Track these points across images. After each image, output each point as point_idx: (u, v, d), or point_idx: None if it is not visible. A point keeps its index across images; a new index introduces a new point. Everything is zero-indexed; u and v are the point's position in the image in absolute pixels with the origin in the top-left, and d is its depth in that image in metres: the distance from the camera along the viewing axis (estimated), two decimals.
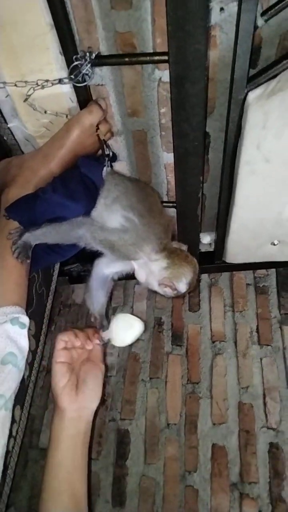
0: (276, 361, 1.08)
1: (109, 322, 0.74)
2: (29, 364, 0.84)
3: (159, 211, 0.79)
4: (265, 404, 1.02)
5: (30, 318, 0.70)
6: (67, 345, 0.65)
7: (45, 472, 0.60)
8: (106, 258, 0.79)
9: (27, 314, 0.66)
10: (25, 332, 0.62)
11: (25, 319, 0.63)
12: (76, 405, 0.62)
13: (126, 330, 0.71)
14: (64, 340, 0.64)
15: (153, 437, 1.03)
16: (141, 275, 0.77)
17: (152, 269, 0.74)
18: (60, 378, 0.62)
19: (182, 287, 0.74)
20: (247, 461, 0.97)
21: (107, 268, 0.81)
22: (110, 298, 1.26)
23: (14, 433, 0.76)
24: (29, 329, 0.66)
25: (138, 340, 1.16)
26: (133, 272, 0.79)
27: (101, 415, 1.08)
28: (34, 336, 0.85)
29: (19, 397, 0.76)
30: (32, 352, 0.86)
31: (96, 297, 0.82)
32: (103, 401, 1.00)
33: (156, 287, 0.75)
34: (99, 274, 0.82)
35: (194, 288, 0.79)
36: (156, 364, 1.13)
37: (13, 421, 0.71)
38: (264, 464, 0.96)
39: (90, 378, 0.64)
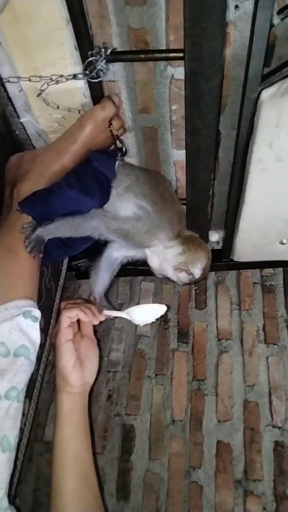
0: (282, 360, 1.08)
1: (109, 303, 0.77)
2: (37, 357, 0.85)
3: (171, 198, 0.80)
4: (270, 402, 1.03)
5: None
6: (72, 321, 0.66)
7: (55, 450, 0.64)
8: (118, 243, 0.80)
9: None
10: (37, 325, 0.63)
11: (37, 313, 0.64)
12: (83, 381, 0.66)
13: (145, 312, 0.74)
14: (70, 317, 0.65)
15: (158, 433, 1.03)
16: (154, 262, 0.77)
17: (167, 256, 0.75)
18: (70, 357, 0.65)
19: (197, 272, 0.75)
20: (251, 458, 0.97)
21: (118, 251, 0.82)
22: (116, 295, 1.27)
23: (22, 426, 0.77)
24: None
25: (144, 336, 1.18)
26: (146, 260, 0.79)
27: (106, 410, 1.08)
28: (43, 330, 0.85)
29: (28, 390, 0.76)
30: (40, 346, 0.86)
31: (101, 277, 0.84)
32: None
33: (170, 273, 0.76)
34: (109, 255, 0.83)
35: (206, 277, 0.80)
36: (162, 360, 1.13)
37: (22, 414, 0.72)
38: (269, 462, 0.96)
39: (91, 354, 0.69)
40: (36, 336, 0.63)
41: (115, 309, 0.80)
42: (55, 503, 0.62)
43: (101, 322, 0.71)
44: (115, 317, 0.84)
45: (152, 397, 1.08)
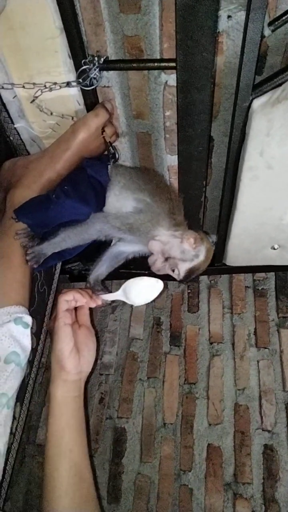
0: (273, 363, 1.09)
1: (105, 289, 0.77)
2: (30, 361, 0.85)
3: (167, 189, 0.81)
4: (261, 406, 1.04)
5: (31, 317, 0.71)
6: (69, 305, 0.65)
7: (48, 441, 0.62)
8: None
9: (29, 313, 0.67)
10: (28, 331, 0.63)
11: (28, 319, 0.64)
12: (79, 368, 0.65)
13: (142, 288, 0.71)
14: (67, 300, 0.65)
15: (149, 436, 1.04)
16: (158, 250, 0.76)
17: (174, 239, 0.75)
18: (68, 342, 0.64)
19: (203, 253, 0.76)
20: (241, 461, 0.98)
21: (125, 246, 0.82)
22: None
23: (13, 430, 0.77)
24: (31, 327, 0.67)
25: (136, 339, 1.19)
26: (144, 259, 0.79)
27: (98, 413, 1.09)
28: (35, 334, 0.86)
29: (19, 395, 0.77)
30: (33, 350, 0.86)
31: (101, 266, 0.84)
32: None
33: (176, 255, 0.75)
34: (115, 248, 0.83)
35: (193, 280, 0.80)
36: (154, 363, 1.14)
37: (13, 418, 0.72)
38: (258, 465, 0.97)
39: (89, 342, 0.67)
40: (27, 342, 0.63)
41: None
42: (48, 496, 0.61)
43: (98, 307, 0.70)
44: (112, 303, 0.80)
45: (144, 400, 1.09)
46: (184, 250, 0.75)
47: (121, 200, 0.76)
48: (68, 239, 0.71)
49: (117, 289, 0.72)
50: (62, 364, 0.63)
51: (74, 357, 0.64)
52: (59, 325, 0.64)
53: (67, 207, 0.69)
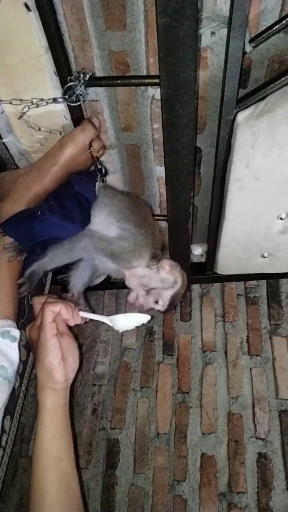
0: (265, 371, 1.09)
1: (87, 305, 0.78)
2: (20, 374, 0.85)
3: (152, 222, 0.82)
4: (254, 414, 1.04)
5: (21, 329, 0.71)
6: (53, 316, 0.66)
7: (37, 451, 0.63)
8: None
9: (18, 325, 0.67)
10: (15, 345, 0.63)
11: (16, 332, 0.64)
12: (66, 377, 0.65)
13: (129, 320, 0.73)
14: (54, 311, 0.65)
15: (142, 447, 1.04)
16: (133, 281, 0.77)
17: (150, 272, 0.77)
18: (57, 353, 0.64)
19: (180, 280, 0.77)
20: (235, 471, 0.98)
21: (100, 262, 0.82)
22: (102, 307, 1.28)
23: (3, 444, 0.76)
24: (20, 339, 0.67)
25: (129, 349, 1.19)
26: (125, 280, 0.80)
27: (91, 424, 1.08)
28: (25, 346, 0.86)
29: (9, 408, 0.77)
30: (23, 362, 0.86)
31: (81, 276, 0.84)
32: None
33: (155, 282, 0.76)
34: (92, 260, 0.83)
35: (182, 299, 0.81)
36: (147, 373, 1.14)
37: (2, 431, 0.72)
38: (252, 474, 0.97)
39: (72, 349, 0.68)
40: (15, 356, 0.63)
41: (93, 311, 0.79)
42: (37, 506, 0.60)
43: (76, 325, 0.70)
44: (101, 323, 0.81)
45: (137, 410, 1.09)
46: (163, 279, 0.76)
47: (105, 224, 0.76)
48: (56, 258, 0.72)
49: (110, 305, 0.73)
50: (51, 375, 0.64)
51: (62, 367, 0.65)
52: (46, 336, 0.63)
53: (51, 224, 0.69)
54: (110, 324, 0.73)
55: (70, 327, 0.71)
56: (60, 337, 0.67)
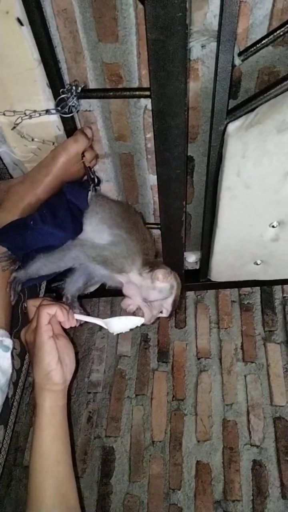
0: (260, 378, 1.10)
1: (82, 308, 0.78)
2: (14, 383, 0.85)
3: (143, 229, 0.83)
4: (249, 421, 1.04)
5: (15, 338, 0.71)
6: (49, 318, 0.66)
7: (35, 454, 0.62)
8: None
9: (12, 334, 0.67)
10: (8, 354, 0.63)
11: (9, 342, 0.64)
12: (64, 378, 0.65)
13: (124, 322, 0.74)
14: (49, 313, 0.65)
15: (138, 455, 1.04)
16: (130, 290, 0.78)
17: (144, 279, 0.77)
18: (55, 355, 0.64)
19: (175, 284, 0.78)
20: (230, 478, 0.98)
21: (95, 270, 0.83)
22: (97, 314, 1.28)
23: None
24: (14, 348, 0.67)
25: (124, 356, 1.19)
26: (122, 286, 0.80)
27: (86, 432, 1.08)
28: (19, 355, 0.86)
29: (3, 417, 0.76)
30: (17, 371, 0.86)
31: (76, 281, 0.84)
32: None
33: (154, 294, 0.77)
34: (87, 266, 0.83)
35: (179, 306, 0.82)
36: (142, 380, 1.14)
37: None
38: (247, 482, 0.97)
39: (68, 351, 0.68)
40: (8, 365, 0.63)
41: (88, 314, 0.79)
42: (34, 509, 0.60)
43: (71, 328, 0.71)
44: (96, 331, 0.82)
45: (132, 418, 1.09)
46: (160, 289, 0.77)
47: (96, 231, 0.77)
48: (45, 267, 0.72)
49: (105, 312, 0.73)
50: (49, 376, 0.64)
51: (60, 368, 0.65)
52: (43, 339, 0.63)
53: (43, 233, 0.70)
54: (105, 326, 0.74)
55: (65, 331, 0.71)
56: (56, 339, 0.67)
